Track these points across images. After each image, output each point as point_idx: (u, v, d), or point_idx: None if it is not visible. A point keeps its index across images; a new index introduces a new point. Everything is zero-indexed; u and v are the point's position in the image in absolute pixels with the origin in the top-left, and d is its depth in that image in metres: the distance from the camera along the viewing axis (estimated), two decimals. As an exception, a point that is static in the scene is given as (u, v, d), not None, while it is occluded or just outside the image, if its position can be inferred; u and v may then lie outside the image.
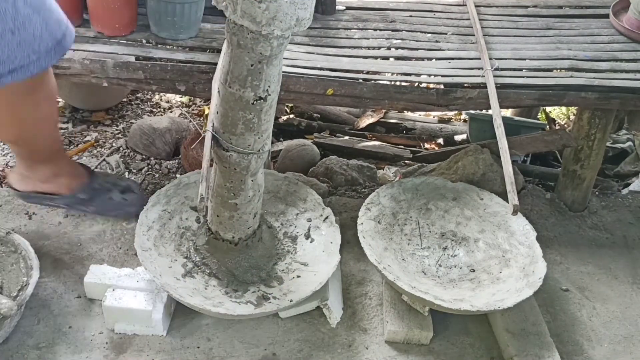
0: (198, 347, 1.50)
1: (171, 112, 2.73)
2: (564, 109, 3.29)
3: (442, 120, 3.09)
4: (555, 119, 3.13)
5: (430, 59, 1.89)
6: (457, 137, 2.88)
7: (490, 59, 1.83)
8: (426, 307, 1.57)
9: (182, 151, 2.25)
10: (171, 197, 1.71)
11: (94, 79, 1.71)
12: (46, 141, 1.63)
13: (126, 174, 2.20)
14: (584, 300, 1.79)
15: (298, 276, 1.58)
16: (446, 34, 2.03)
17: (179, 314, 1.57)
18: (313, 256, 1.64)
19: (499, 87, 1.73)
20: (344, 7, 2.15)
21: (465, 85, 1.75)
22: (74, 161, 1.93)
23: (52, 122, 1.62)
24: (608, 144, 2.50)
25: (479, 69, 1.81)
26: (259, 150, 1.38)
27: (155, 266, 1.49)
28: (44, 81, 1.46)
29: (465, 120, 3.07)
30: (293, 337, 1.55)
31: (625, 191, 2.30)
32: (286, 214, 1.77)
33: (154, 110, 2.71)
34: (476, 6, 2.15)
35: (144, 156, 2.32)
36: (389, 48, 1.93)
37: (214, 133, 1.37)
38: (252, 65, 1.23)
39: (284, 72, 1.54)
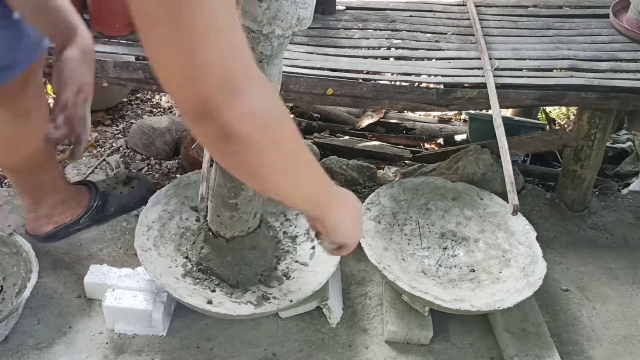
0: (198, 347, 1.50)
1: (171, 112, 2.73)
2: (564, 109, 3.29)
3: (442, 120, 3.09)
4: (555, 119, 3.13)
5: (430, 59, 1.89)
6: (457, 137, 2.88)
7: (490, 59, 1.83)
8: (426, 307, 1.57)
9: (182, 151, 2.24)
10: (171, 197, 1.71)
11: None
12: (44, 160, 1.59)
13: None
14: (584, 300, 1.79)
15: (298, 276, 1.58)
16: (446, 34, 2.03)
17: (179, 314, 1.56)
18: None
19: (499, 87, 1.73)
20: (344, 7, 2.15)
21: (465, 85, 1.75)
22: (68, 179, 1.94)
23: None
24: (608, 144, 2.49)
25: (479, 69, 1.81)
26: (259, 150, 1.38)
27: (155, 266, 1.49)
28: (30, 88, 1.43)
29: (465, 120, 3.07)
30: (293, 337, 1.55)
31: (625, 191, 2.30)
32: (286, 214, 1.76)
33: (154, 110, 2.71)
34: (476, 6, 2.15)
35: (144, 156, 2.31)
36: (389, 48, 1.93)
37: (214, 133, 1.37)
38: (252, 65, 1.23)
39: (284, 72, 1.54)
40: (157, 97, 2.80)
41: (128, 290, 1.52)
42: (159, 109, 2.72)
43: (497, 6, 2.21)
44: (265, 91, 0.76)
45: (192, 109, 0.72)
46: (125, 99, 2.69)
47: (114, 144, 2.37)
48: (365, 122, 2.87)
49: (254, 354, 1.50)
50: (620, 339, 1.67)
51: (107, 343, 1.48)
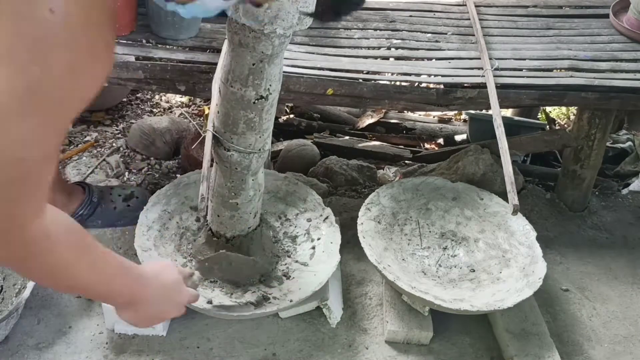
0: (198, 347, 1.50)
1: (171, 112, 2.73)
2: (564, 109, 3.29)
3: (442, 120, 3.09)
4: (555, 119, 3.13)
5: (430, 59, 1.89)
6: (457, 137, 2.88)
7: (490, 59, 1.83)
8: (426, 307, 1.57)
9: (182, 151, 2.25)
10: (171, 197, 1.71)
11: (94, 79, 1.71)
12: None
13: (126, 174, 2.20)
14: (584, 300, 1.79)
15: (298, 276, 1.58)
16: (446, 34, 2.03)
17: (179, 313, 1.56)
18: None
19: (499, 87, 1.73)
20: (344, 7, 2.15)
21: (465, 85, 1.75)
22: (65, 179, 1.94)
23: None
24: (608, 144, 2.50)
25: (479, 69, 1.81)
26: (259, 150, 1.38)
27: (155, 266, 1.49)
28: None
29: (465, 120, 3.07)
30: (293, 337, 1.55)
31: (625, 191, 2.31)
32: (286, 214, 1.76)
33: (154, 110, 2.71)
34: (476, 6, 2.15)
35: (144, 156, 2.31)
36: (389, 48, 1.93)
37: (214, 133, 1.37)
38: (253, 64, 1.23)
39: (284, 72, 1.54)
40: (157, 97, 2.80)
41: (128, 290, 1.51)
42: (159, 109, 2.72)
43: (497, 6, 2.21)
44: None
45: None
46: (125, 99, 2.69)
47: (114, 144, 2.37)
48: (365, 122, 2.87)
49: (254, 354, 1.50)
50: (620, 339, 1.67)
51: (107, 343, 1.48)
